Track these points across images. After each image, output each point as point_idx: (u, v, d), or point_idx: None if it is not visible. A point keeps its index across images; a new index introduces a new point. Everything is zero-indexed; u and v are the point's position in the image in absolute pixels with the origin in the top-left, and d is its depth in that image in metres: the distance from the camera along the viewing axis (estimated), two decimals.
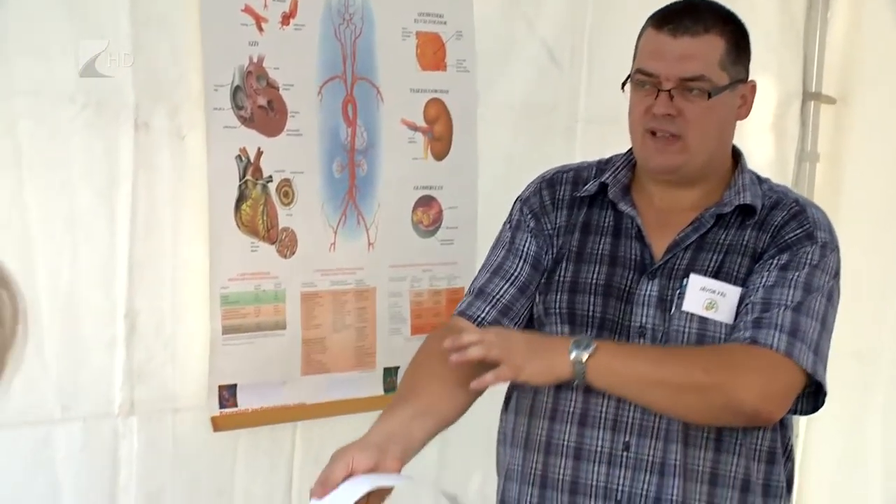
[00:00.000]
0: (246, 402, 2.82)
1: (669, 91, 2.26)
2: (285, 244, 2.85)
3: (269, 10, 2.78)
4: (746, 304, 2.24)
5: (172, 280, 2.76)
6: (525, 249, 2.42)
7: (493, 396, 2.43)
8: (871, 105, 4.10)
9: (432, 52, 3.14)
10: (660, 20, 2.31)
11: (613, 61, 3.44)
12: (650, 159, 2.32)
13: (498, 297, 2.39)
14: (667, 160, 2.30)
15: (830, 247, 2.31)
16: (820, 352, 2.24)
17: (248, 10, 2.75)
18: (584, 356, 2.15)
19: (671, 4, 2.34)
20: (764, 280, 2.25)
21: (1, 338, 1.11)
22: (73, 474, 2.68)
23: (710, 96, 2.26)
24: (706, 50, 2.28)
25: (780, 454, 2.34)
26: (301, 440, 3.02)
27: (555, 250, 2.40)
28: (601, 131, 3.38)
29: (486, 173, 3.27)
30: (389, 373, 3.10)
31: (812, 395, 2.29)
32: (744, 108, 2.36)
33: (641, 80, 2.30)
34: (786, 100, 4.08)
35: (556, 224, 2.41)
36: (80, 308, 2.65)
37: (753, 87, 2.36)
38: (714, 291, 2.27)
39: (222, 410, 2.79)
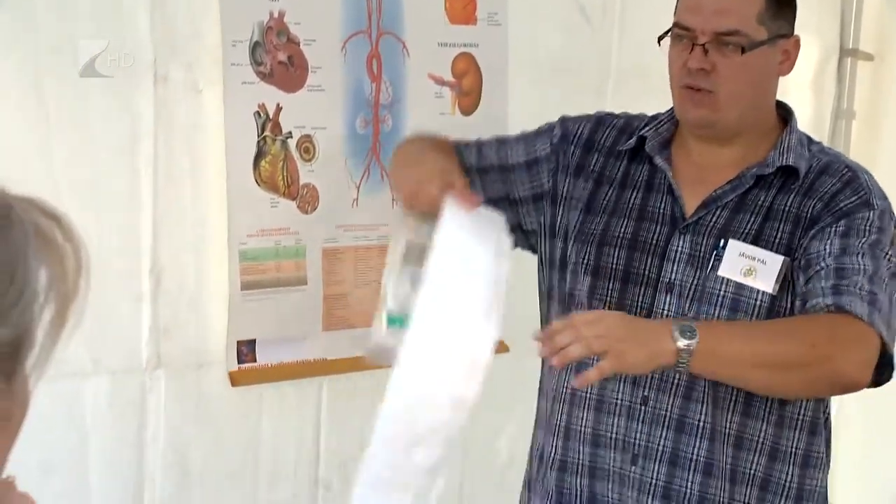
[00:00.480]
0: (265, 357, 2.85)
1: (704, 45, 2.25)
2: (306, 200, 2.86)
3: None
4: (818, 270, 2.18)
5: (193, 236, 2.78)
6: (536, 149, 2.48)
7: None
8: None
9: (462, 6, 3.12)
10: None
11: (645, 19, 3.42)
12: (685, 113, 2.33)
13: (483, 157, 2.48)
14: (700, 114, 2.30)
15: (889, 214, 2.28)
16: (891, 324, 2.19)
17: None
18: (692, 344, 2.03)
19: None
20: (829, 248, 2.21)
21: (64, 291, 1.11)
22: (102, 427, 2.74)
23: (743, 51, 2.24)
24: (744, 4, 2.26)
25: (822, 425, 2.33)
26: (328, 395, 3.05)
27: (570, 189, 2.41)
28: (632, 89, 3.35)
29: (514, 130, 3.25)
30: None
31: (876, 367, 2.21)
32: (786, 64, 2.33)
33: (679, 33, 2.30)
34: (823, 56, 4.03)
35: (579, 159, 2.43)
36: (107, 263, 2.67)
37: (797, 43, 2.33)
38: (754, 258, 2.25)
39: (241, 366, 2.82)
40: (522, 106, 3.27)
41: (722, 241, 2.26)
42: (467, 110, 3.15)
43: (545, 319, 2.46)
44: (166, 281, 2.75)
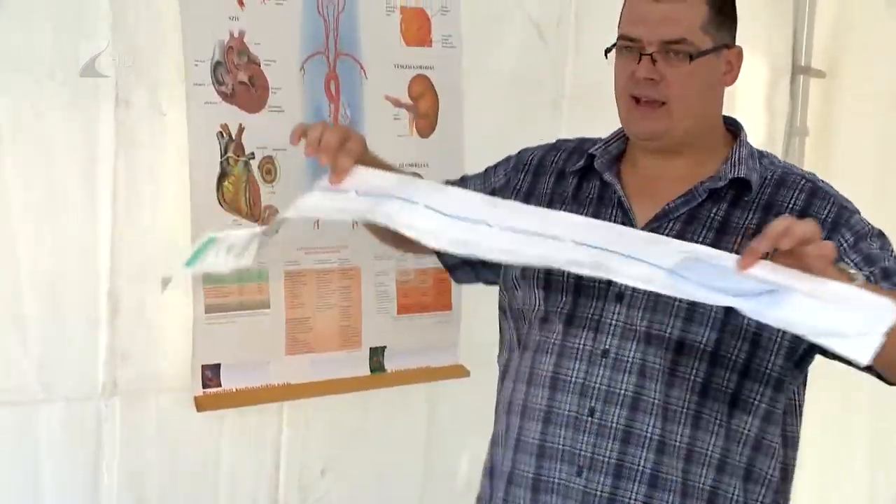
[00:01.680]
0: (230, 382, 2.85)
1: (651, 55, 2.28)
2: (268, 222, 2.86)
3: None
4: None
5: (153, 259, 2.77)
6: (492, 182, 2.54)
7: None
8: (859, 79, 4.16)
9: (417, 28, 3.16)
10: None
11: (600, 37, 3.45)
12: (634, 125, 2.35)
13: None
14: (650, 126, 2.32)
15: (859, 211, 2.32)
16: None
17: None
18: None
19: None
20: (854, 260, 2.22)
21: None
22: (56, 455, 2.71)
23: (692, 59, 2.27)
24: (688, 13, 2.28)
25: (776, 444, 2.34)
26: (288, 420, 3.05)
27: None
28: (588, 107, 3.40)
29: (472, 151, 3.29)
30: (375, 352, 3.13)
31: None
32: (730, 75, 2.36)
33: (624, 45, 2.32)
34: (776, 74, 4.13)
35: (531, 188, 2.47)
36: (62, 287, 2.68)
37: (739, 53, 2.36)
38: None
39: (206, 391, 2.81)
40: (479, 126, 3.31)
41: None
42: (424, 132, 3.19)
43: (504, 336, 2.50)
44: (124, 305, 2.75)
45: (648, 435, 2.26)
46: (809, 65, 4.19)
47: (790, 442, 2.38)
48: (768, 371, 2.28)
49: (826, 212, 2.29)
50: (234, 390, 2.85)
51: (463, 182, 2.59)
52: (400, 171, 2.47)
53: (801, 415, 2.39)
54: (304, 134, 2.28)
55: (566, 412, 2.30)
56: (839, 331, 1.90)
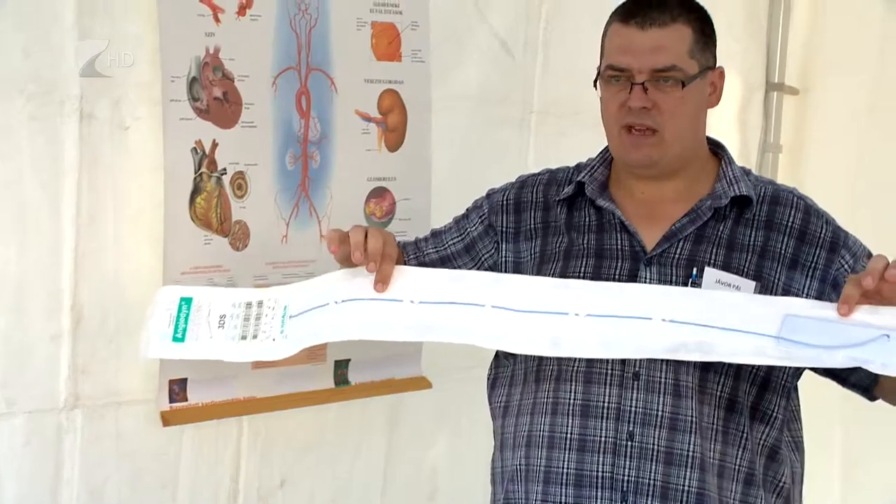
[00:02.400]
0: (196, 396, 2.87)
1: (643, 84, 2.31)
2: (238, 237, 2.90)
3: (225, 0, 2.81)
4: None
5: (116, 273, 2.78)
6: (469, 232, 2.54)
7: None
8: (832, 96, 4.22)
9: (387, 43, 3.19)
10: (626, 14, 2.36)
11: (567, 52, 3.55)
12: (627, 154, 2.38)
13: (423, 254, 2.53)
14: (644, 154, 2.36)
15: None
16: None
17: (205, 0, 2.78)
18: None
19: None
20: None
21: None
22: (16, 468, 2.71)
23: (683, 86, 2.32)
24: (675, 40, 2.33)
25: (786, 451, 2.39)
26: (248, 433, 3.07)
27: (510, 253, 2.47)
28: (555, 122, 3.45)
29: (439, 165, 3.33)
30: (340, 365, 3.16)
31: None
32: (714, 96, 2.42)
33: (613, 75, 2.35)
34: (749, 91, 4.18)
35: (514, 225, 2.49)
36: (26, 302, 2.68)
37: (722, 74, 2.42)
38: (730, 284, 2.30)
39: (172, 405, 2.83)
40: (447, 141, 3.35)
41: (695, 269, 2.32)
42: (393, 146, 3.22)
43: (502, 372, 2.49)
44: (86, 319, 2.75)
45: (689, 454, 2.29)
46: (783, 82, 4.26)
47: (798, 447, 2.44)
48: (784, 382, 2.35)
49: (822, 231, 2.37)
50: (201, 405, 2.87)
51: (435, 237, 2.59)
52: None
53: (801, 419, 2.44)
54: (345, 240, 2.26)
55: (602, 438, 2.31)
56: None
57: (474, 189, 3.38)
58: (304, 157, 3.02)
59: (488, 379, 2.54)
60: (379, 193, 3.21)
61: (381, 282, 2.24)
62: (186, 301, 2.27)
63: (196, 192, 2.81)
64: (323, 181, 3.07)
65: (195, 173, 2.80)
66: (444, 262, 2.52)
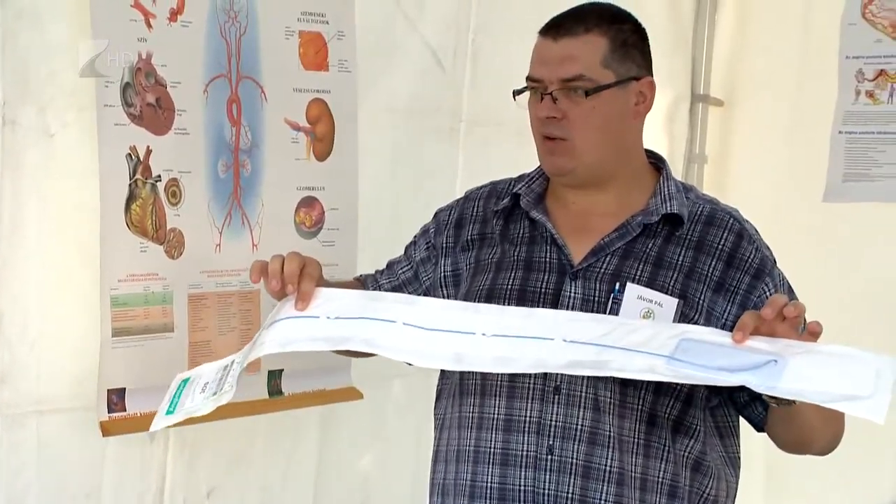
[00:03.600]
0: (135, 406, 2.86)
1: (552, 94, 2.37)
2: (173, 245, 2.92)
3: (157, 6, 2.84)
4: None
5: (39, 281, 2.78)
6: (415, 258, 2.59)
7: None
8: (755, 108, 4.33)
9: (314, 52, 3.23)
10: (545, 27, 2.42)
11: (497, 63, 3.59)
12: (544, 162, 2.44)
13: (379, 286, 2.59)
14: (556, 162, 2.40)
15: (776, 261, 2.45)
16: None
17: (137, 5, 2.81)
18: None
19: (561, 13, 2.44)
20: None
21: None
22: None
23: (588, 94, 2.35)
24: (586, 49, 2.37)
25: (719, 464, 2.42)
26: (175, 442, 3.07)
27: (450, 268, 2.51)
28: (485, 133, 3.49)
29: (367, 175, 3.37)
30: (273, 375, 3.18)
31: None
32: (642, 106, 2.44)
33: (530, 86, 2.41)
34: (675, 102, 4.27)
35: (454, 240, 2.53)
36: None
37: (651, 84, 2.44)
38: (652, 301, 2.33)
39: (111, 415, 2.83)
40: (375, 151, 3.39)
41: (617, 284, 2.35)
42: (321, 156, 3.26)
43: (444, 373, 2.53)
44: (6, 326, 2.74)
45: (607, 468, 2.32)
46: (708, 93, 4.36)
47: (734, 462, 2.48)
48: (702, 398, 2.38)
49: (751, 256, 2.40)
50: (139, 414, 2.86)
51: (389, 269, 2.64)
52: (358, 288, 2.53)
53: (738, 435, 2.48)
54: (264, 269, 2.32)
55: (524, 452, 2.34)
56: (851, 394, 2.01)
57: (405, 199, 3.44)
58: (235, 164, 3.05)
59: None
60: (308, 203, 3.24)
61: (301, 300, 2.29)
62: (185, 381, 2.37)
63: (131, 198, 2.82)
64: (254, 189, 3.10)
65: (130, 179, 2.81)
66: (398, 291, 2.56)
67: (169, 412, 2.33)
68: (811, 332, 2.13)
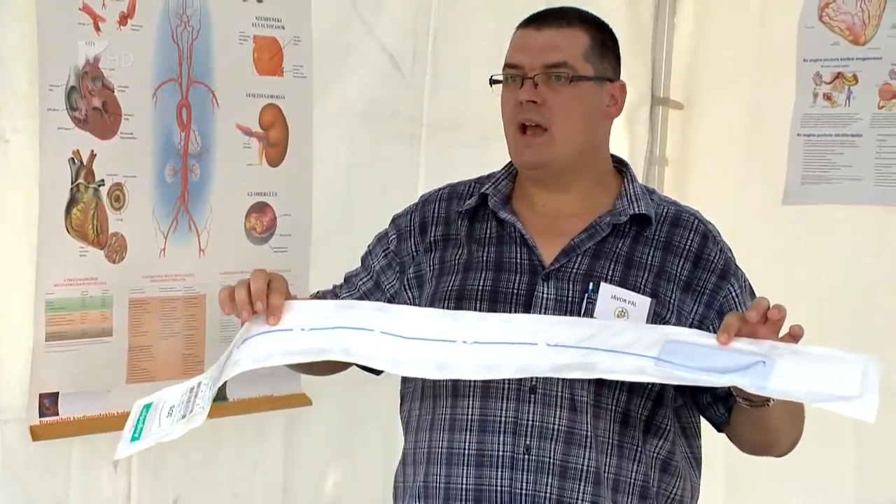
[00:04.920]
0: (68, 410, 2.86)
1: (534, 79, 2.38)
2: (114, 249, 2.91)
3: (106, 9, 2.83)
4: None
5: None
6: (374, 267, 2.56)
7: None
8: (714, 110, 4.34)
9: (269, 57, 3.22)
10: (525, 20, 2.44)
11: (457, 67, 3.58)
12: (520, 155, 2.43)
13: (340, 299, 2.53)
14: (535, 154, 2.40)
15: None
16: None
17: (85, 8, 2.80)
18: None
19: (542, 10, 2.47)
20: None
21: None
22: None
23: (571, 81, 2.37)
24: (570, 40, 2.40)
25: (684, 465, 2.44)
26: (139, 452, 3.05)
27: (413, 270, 2.50)
28: (445, 137, 3.49)
29: (322, 181, 3.36)
30: None
31: None
32: (614, 108, 2.47)
33: (509, 73, 2.41)
34: (636, 105, 4.27)
35: (421, 244, 2.51)
36: None
37: (623, 87, 2.47)
38: (625, 300, 2.35)
39: (42, 419, 2.82)
40: (331, 156, 3.39)
41: (591, 284, 2.36)
42: (274, 161, 3.25)
43: (407, 387, 2.52)
44: None
45: (584, 467, 2.33)
46: (668, 96, 4.37)
47: (698, 463, 2.50)
48: (672, 398, 2.40)
49: (716, 257, 2.42)
50: (73, 419, 2.87)
51: (347, 282, 2.60)
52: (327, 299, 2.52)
53: (701, 435, 2.50)
54: (232, 300, 2.28)
55: (500, 452, 2.34)
56: (840, 394, 2.04)
57: (361, 205, 3.43)
58: (184, 169, 3.04)
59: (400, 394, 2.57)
60: (260, 208, 3.23)
61: (272, 314, 2.26)
62: (147, 406, 2.35)
63: (72, 203, 2.81)
64: (203, 195, 3.09)
65: (72, 184, 2.80)
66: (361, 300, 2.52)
67: (134, 438, 2.32)
68: (793, 335, 2.14)
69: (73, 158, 2.80)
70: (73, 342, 2.85)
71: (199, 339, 3.11)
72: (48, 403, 2.83)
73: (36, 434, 2.82)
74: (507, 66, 2.43)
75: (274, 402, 3.33)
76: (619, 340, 2.17)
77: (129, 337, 2.96)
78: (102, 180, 2.86)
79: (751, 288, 2.46)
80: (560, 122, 2.38)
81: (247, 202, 3.21)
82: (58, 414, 2.85)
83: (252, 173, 3.20)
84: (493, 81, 2.44)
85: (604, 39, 2.44)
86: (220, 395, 3.12)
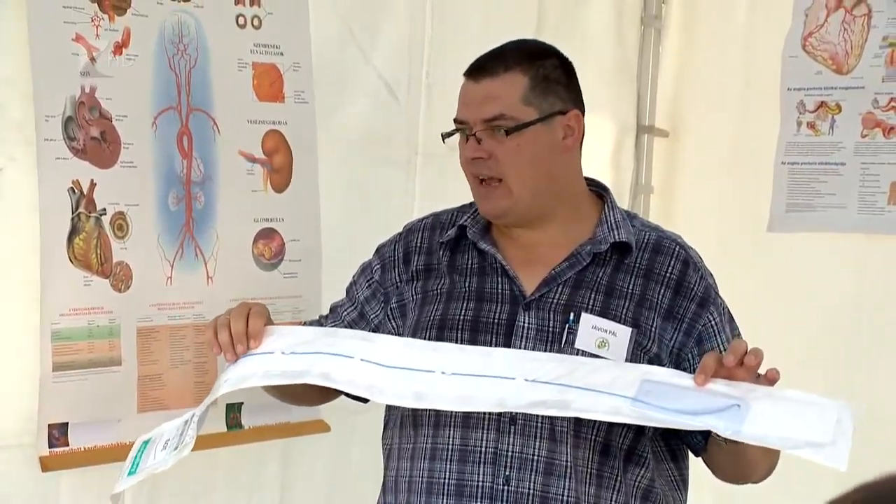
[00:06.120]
0: (78, 440, 2.85)
1: (475, 134, 2.38)
2: (119, 278, 2.90)
3: (101, 39, 2.84)
4: None
5: None
6: (358, 298, 2.57)
7: None
8: (699, 138, 4.35)
9: (269, 84, 3.22)
10: (469, 69, 2.44)
11: (452, 94, 3.57)
12: (481, 206, 2.44)
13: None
14: (495, 205, 2.41)
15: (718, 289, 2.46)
16: None
17: (79, 39, 2.80)
18: None
19: (484, 53, 2.46)
20: (724, 341, 2.39)
21: None
22: None
23: (508, 133, 2.36)
24: (506, 87, 2.38)
25: (667, 490, 2.43)
26: None
27: (396, 300, 2.50)
28: (440, 163, 3.47)
29: (328, 205, 3.35)
30: (232, 408, 3.16)
31: None
32: (571, 139, 2.43)
33: (458, 128, 2.43)
34: (621, 133, 4.29)
35: (405, 274, 2.52)
36: None
37: (577, 116, 2.44)
38: (606, 331, 2.35)
39: (52, 450, 2.81)
40: (335, 181, 3.38)
41: (572, 315, 2.36)
42: (279, 187, 3.25)
43: (392, 414, 2.52)
44: None
45: (564, 498, 2.32)
46: (654, 124, 4.38)
47: (685, 484, 2.49)
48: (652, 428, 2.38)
49: (696, 285, 2.42)
50: (83, 449, 2.85)
51: (333, 312, 2.61)
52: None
53: (688, 457, 2.49)
54: (216, 343, 2.34)
55: (480, 483, 2.34)
56: (813, 441, 2.04)
57: (364, 229, 3.43)
58: (187, 197, 3.04)
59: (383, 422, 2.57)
60: (267, 234, 3.23)
61: (252, 339, 2.30)
62: (146, 442, 2.39)
63: (74, 232, 2.81)
64: (208, 222, 3.09)
65: (73, 213, 2.80)
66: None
67: (131, 473, 2.35)
68: (769, 379, 2.14)
69: (72, 188, 2.80)
70: (82, 372, 2.84)
71: (212, 368, 3.08)
72: (58, 434, 2.82)
73: (46, 465, 2.80)
74: (455, 120, 2.43)
75: (291, 430, 3.31)
76: (596, 378, 2.18)
77: (139, 366, 2.95)
78: (104, 209, 2.86)
79: (730, 315, 2.44)
80: (511, 173, 2.38)
81: (254, 228, 3.20)
82: (68, 444, 2.83)
83: (258, 199, 3.19)
84: (444, 136, 2.45)
85: (546, 74, 2.41)
86: (235, 423, 3.16)
